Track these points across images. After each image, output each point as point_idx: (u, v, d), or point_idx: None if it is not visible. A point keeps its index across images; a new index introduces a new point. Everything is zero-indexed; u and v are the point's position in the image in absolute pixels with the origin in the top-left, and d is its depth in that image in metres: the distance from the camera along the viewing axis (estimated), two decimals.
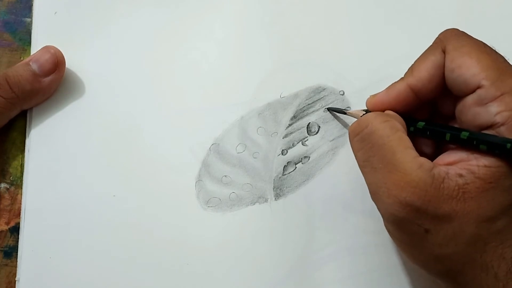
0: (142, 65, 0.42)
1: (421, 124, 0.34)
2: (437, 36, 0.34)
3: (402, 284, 0.38)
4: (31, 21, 0.44)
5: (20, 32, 0.44)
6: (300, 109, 0.41)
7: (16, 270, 0.40)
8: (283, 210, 0.40)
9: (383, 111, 0.35)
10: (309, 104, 0.41)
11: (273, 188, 0.40)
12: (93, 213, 0.40)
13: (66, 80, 0.42)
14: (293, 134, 0.41)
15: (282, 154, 0.41)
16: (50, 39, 0.43)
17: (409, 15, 0.42)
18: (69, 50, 0.43)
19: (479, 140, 0.30)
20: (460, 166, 0.30)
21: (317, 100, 0.41)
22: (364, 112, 0.37)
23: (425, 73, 0.33)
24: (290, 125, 0.41)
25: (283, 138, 0.41)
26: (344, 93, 0.41)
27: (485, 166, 0.30)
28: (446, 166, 0.31)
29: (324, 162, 0.40)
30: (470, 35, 0.34)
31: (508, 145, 0.28)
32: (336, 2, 0.43)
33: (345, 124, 0.41)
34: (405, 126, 0.33)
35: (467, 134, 0.31)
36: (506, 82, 0.30)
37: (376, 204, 0.32)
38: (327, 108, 0.41)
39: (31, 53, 0.43)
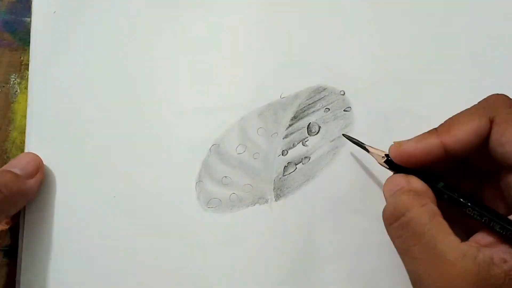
0: (142, 65, 0.42)
1: (470, 209, 0.32)
2: (485, 98, 0.33)
3: (403, 284, 0.38)
4: (31, 21, 0.43)
5: (20, 32, 0.44)
6: (301, 110, 0.41)
7: (16, 270, 0.40)
8: (283, 211, 0.40)
9: (408, 165, 0.33)
10: (309, 105, 0.41)
11: (274, 189, 0.40)
12: (93, 214, 0.40)
13: (66, 80, 0.42)
14: (294, 135, 0.41)
15: (282, 155, 0.41)
16: (49, 39, 0.43)
17: (409, 15, 0.42)
18: (68, 49, 0.43)
19: None
20: (503, 249, 0.29)
21: (317, 100, 0.41)
22: (385, 157, 0.36)
23: (464, 136, 0.31)
24: (290, 125, 0.41)
25: (283, 138, 0.41)
26: (344, 93, 0.41)
27: None
28: (490, 250, 0.30)
29: (325, 163, 0.40)
30: None
31: None
32: (336, 2, 0.43)
33: (345, 125, 0.41)
34: (434, 198, 0.32)
35: (497, 228, 0.30)
36: None
37: None
38: (343, 134, 0.40)
39: (31, 54, 0.43)
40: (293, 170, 0.41)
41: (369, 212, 0.39)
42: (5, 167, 0.39)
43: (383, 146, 0.40)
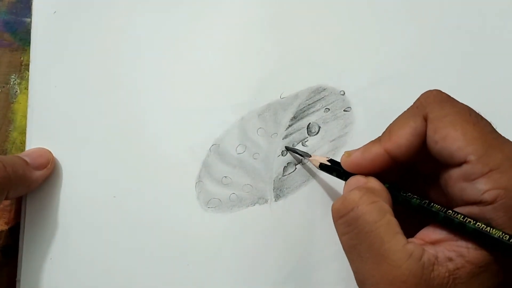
0: (142, 65, 0.42)
1: (415, 201, 0.32)
2: (419, 96, 0.33)
3: None
4: (31, 22, 0.43)
5: (20, 32, 0.44)
6: (300, 110, 0.41)
7: (16, 270, 0.40)
8: (283, 211, 0.40)
9: (358, 173, 0.34)
10: (309, 105, 0.41)
11: (273, 189, 0.40)
12: (93, 214, 0.40)
13: (66, 80, 0.42)
14: (293, 135, 0.41)
15: (282, 155, 0.41)
16: (50, 39, 0.43)
17: (409, 15, 0.42)
18: (68, 49, 0.43)
19: (474, 231, 0.28)
20: (449, 247, 0.29)
21: (317, 101, 0.41)
22: (328, 163, 0.36)
23: (403, 140, 0.32)
24: (290, 125, 0.41)
25: (283, 138, 0.41)
26: (344, 93, 0.41)
27: (476, 249, 0.29)
28: (434, 248, 0.29)
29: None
30: (454, 100, 0.32)
31: (509, 241, 0.27)
32: (336, 2, 0.43)
33: (345, 125, 0.41)
34: (389, 198, 0.32)
35: (458, 219, 0.29)
36: (493, 156, 0.29)
37: None
38: (286, 147, 0.41)
39: (31, 54, 0.43)
40: (293, 170, 0.41)
41: None
42: (18, 154, 0.40)
43: None
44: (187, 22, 0.43)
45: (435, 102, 0.32)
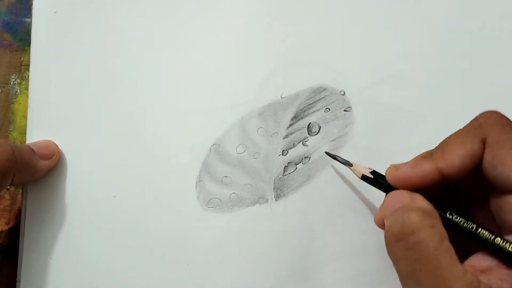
0: (142, 65, 0.42)
1: (462, 225, 0.31)
2: (477, 116, 0.32)
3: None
4: (31, 22, 0.43)
5: (20, 32, 0.44)
6: (301, 110, 0.41)
7: (16, 270, 0.40)
8: (283, 211, 0.40)
9: (405, 188, 0.33)
10: (309, 104, 0.41)
11: (274, 189, 0.40)
12: (93, 214, 0.40)
13: (66, 81, 0.42)
14: (294, 135, 0.41)
15: (282, 155, 0.41)
16: (50, 39, 0.43)
17: (410, 15, 0.42)
18: (69, 49, 0.43)
19: None
20: (500, 276, 0.29)
21: (317, 100, 0.41)
22: (371, 175, 0.36)
23: (458, 160, 0.31)
24: (290, 125, 0.41)
25: (283, 138, 0.41)
26: (345, 93, 0.41)
27: None
28: (487, 277, 0.29)
29: (325, 163, 0.40)
30: None
31: None
32: (337, 2, 0.43)
33: (345, 125, 0.41)
34: (440, 219, 0.31)
35: (507, 249, 0.29)
36: None
37: None
38: (326, 152, 0.40)
39: (31, 54, 0.43)
40: (293, 170, 0.41)
41: (369, 212, 0.39)
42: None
43: (383, 146, 0.40)
44: (187, 22, 0.43)
45: (495, 124, 0.31)
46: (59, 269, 0.40)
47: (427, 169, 0.32)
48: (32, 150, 0.39)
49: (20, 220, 0.41)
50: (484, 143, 0.31)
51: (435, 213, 0.31)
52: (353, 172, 0.37)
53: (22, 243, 0.40)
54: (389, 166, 0.34)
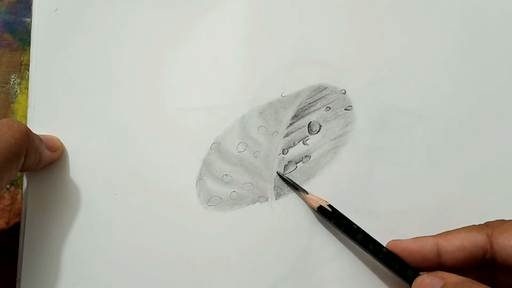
0: (143, 63, 0.42)
1: None
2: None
3: (402, 284, 0.38)
4: (31, 21, 0.43)
5: (20, 32, 0.44)
6: (301, 108, 0.41)
7: (16, 270, 0.40)
8: (283, 209, 0.40)
9: (401, 255, 0.35)
10: (310, 103, 0.41)
11: (274, 187, 0.40)
12: (93, 212, 0.40)
13: (67, 80, 0.42)
14: (294, 133, 0.41)
15: (283, 153, 0.41)
16: (50, 38, 0.43)
17: (410, 14, 0.42)
18: (69, 49, 0.43)
19: None
20: None
21: (318, 99, 0.41)
22: (327, 205, 0.38)
23: (458, 241, 0.33)
24: (291, 124, 0.41)
25: (284, 137, 0.41)
26: (345, 91, 0.41)
27: None
28: None
29: (325, 162, 0.40)
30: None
31: None
32: (337, 1, 0.43)
33: (346, 124, 0.41)
34: None
35: None
36: None
37: None
38: (277, 172, 0.41)
39: (31, 53, 0.43)
40: (293, 168, 0.40)
41: (369, 211, 0.39)
42: None
43: (384, 145, 0.40)
44: (189, 20, 0.43)
45: (499, 223, 0.33)
46: (59, 269, 0.40)
47: (427, 241, 0.34)
48: (40, 138, 0.39)
49: (20, 220, 0.41)
50: (489, 238, 0.32)
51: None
52: (308, 202, 0.39)
53: (22, 243, 0.40)
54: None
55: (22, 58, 0.44)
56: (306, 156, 0.41)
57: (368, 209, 0.39)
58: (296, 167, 0.41)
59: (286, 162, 0.41)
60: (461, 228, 0.34)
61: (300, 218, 0.40)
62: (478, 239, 0.32)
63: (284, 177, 0.40)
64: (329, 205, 0.38)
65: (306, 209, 0.39)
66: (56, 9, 0.43)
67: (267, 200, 0.40)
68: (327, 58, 0.42)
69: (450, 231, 0.34)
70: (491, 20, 0.42)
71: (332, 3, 0.43)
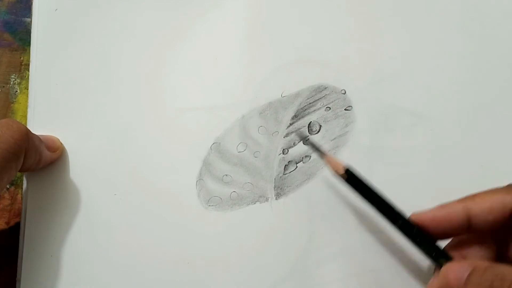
0: (143, 63, 0.42)
1: None
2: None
3: (402, 284, 0.38)
4: (31, 21, 0.43)
5: (20, 32, 0.44)
6: (301, 108, 0.41)
7: (16, 270, 0.40)
8: (284, 210, 0.40)
9: (427, 228, 0.33)
10: (310, 103, 0.41)
11: (274, 187, 0.40)
12: (93, 212, 0.40)
13: (67, 80, 0.42)
14: (294, 133, 0.41)
15: (283, 153, 0.41)
16: (50, 38, 0.43)
17: (410, 14, 0.42)
18: (69, 48, 0.43)
19: None
20: None
21: (318, 99, 0.41)
22: (344, 170, 0.36)
23: (488, 204, 0.31)
24: (291, 124, 0.41)
25: (284, 137, 0.41)
26: (345, 92, 0.41)
27: None
28: None
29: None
30: None
31: None
32: (337, 1, 0.43)
33: (346, 124, 0.41)
34: None
35: None
36: None
37: None
38: (304, 142, 0.40)
39: (31, 53, 0.43)
40: (293, 168, 0.40)
41: (369, 211, 0.39)
42: None
43: (384, 145, 0.40)
44: (188, 20, 0.43)
45: None
46: (59, 269, 0.40)
47: (454, 208, 0.32)
48: (40, 138, 0.39)
49: (20, 220, 0.41)
50: None
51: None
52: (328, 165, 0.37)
53: (22, 243, 0.40)
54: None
55: (22, 58, 0.44)
56: (306, 156, 0.41)
57: (368, 209, 0.39)
58: (296, 167, 0.41)
59: (286, 162, 0.41)
60: (486, 191, 0.32)
61: (300, 218, 0.39)
62: (507, 200, 0.31)
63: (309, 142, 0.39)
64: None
65: (306, 209, 0.39)
66: (56, 9, 0.43)
67: (267, 200, 0.40)
68: (327, 58, 0.42)
69: (475, 194, 0.32)
70: (491, 20, 0.42)
71: (332, 3, 0.43)
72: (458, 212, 0.32)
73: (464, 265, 0.30)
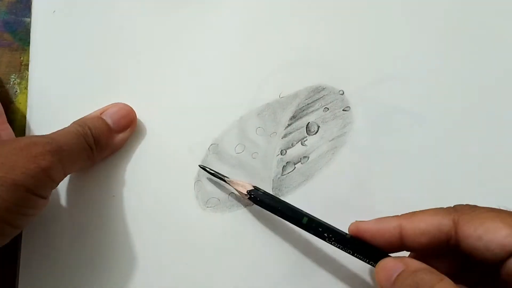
0: (141, 64, 0.42)
1: None
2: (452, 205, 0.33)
3: None
4: (31, 21, 0.44)
5: (20, 32, 0.44)
6: (300, 109, 0.41)
7: (15, 270, 0.40)
8: None
9: (360, 237, 0.34)
10: (308, 104, 0.41)
11: (272, 188, 0.40)
12: (92, 213, 0.40)
13: (66, 80, 0.42)
14: (292, 134, 0.41)
15: (281, 154, 0.41)
16: (49, 39, 0.43)
17: (409, 15, 0.42)
18: (68, 49, 0.43)
19: None
20: None
21: (316, 100, 0.41)
22: (253, 188, 0.37)
23: (422, 225, 0.31)
24: (289, 125, 0.41)
25: (282, 138, 0.41)
26: (343, 92, 0.41)
27: None
28: None
29: (323, 162, 0.40)
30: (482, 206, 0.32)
31: None
32: (336, 2, 0.43)
33: (344, 124, 0.41)
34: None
35: None
36: None
37: None
38: (199, 165, 0.40)
39: (31, 53, 0.43)
40: (292, 169, 0.41)
41: (368, 211, 0.39)
42: (97, 112, 0.40)
43: (382, 146, 0.40)
44: (187, 21, 0.43)
45: (466, 208, 0.31)
46: (58, 270, 0.40)
47: (390, 223, 0.32)
48: (109, 127, 0.39)
49: None
50: (455, 224, 0.31)
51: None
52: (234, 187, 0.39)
53: (22, 244, 0.40)
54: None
55: (22, 58, 0.44)
56: (304, 157, 0.41)
57: (367, 210, 0.39)
58: (295, 168, 0.41)
59: (284, 163, 0.41)
60: (428, 209, 0.32)
61: None
62: (443, 224, 0.31)
63: (205, 168, 0.40)
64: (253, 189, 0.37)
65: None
66: (54, 11, 0.43)
67: None
68: (325, 59, 0.42)
69: (416, 212, 0.32)
70: (491, 20, 0.42)
71: (331, 3, 0.43)
72: (390, 229, 0.32)
73: (398, 263, 0.31)
